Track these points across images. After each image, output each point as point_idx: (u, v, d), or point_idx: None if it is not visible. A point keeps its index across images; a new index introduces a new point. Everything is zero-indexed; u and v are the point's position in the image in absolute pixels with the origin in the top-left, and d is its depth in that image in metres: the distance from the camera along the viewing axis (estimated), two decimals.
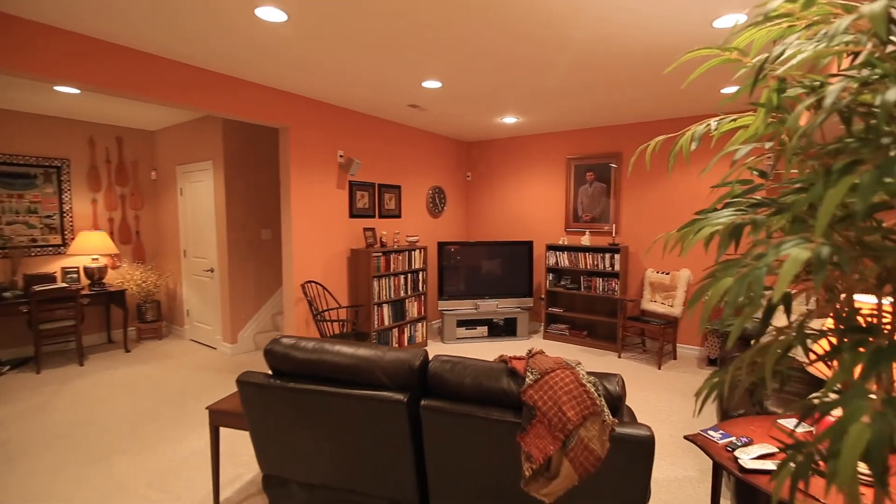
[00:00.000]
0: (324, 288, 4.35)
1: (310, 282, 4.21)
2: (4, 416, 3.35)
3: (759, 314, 0.74)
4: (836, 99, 0.62)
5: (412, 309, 5.07)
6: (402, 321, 4.92)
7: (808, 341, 0.78)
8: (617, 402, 1.41)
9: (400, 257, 4.85)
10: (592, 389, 1.38)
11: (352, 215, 4.67)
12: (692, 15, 2.42)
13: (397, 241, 5.04)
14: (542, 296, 5.56)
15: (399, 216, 5.31)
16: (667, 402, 3.61)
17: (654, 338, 5.11)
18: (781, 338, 0.78)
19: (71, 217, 4.95)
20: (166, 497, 2.38)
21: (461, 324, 5.30)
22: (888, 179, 0.57)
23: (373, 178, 4.93)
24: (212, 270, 4.92)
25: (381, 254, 4.59)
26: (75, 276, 4.91)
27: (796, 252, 0.62)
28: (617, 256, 4.91)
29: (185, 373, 4.26)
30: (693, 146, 0.94)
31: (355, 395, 1.60)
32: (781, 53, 0.83)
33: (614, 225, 5.24)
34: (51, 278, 4.68)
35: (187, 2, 2.29)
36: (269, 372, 1.78)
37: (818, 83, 0.74)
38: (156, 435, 3.05)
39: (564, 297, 5.57)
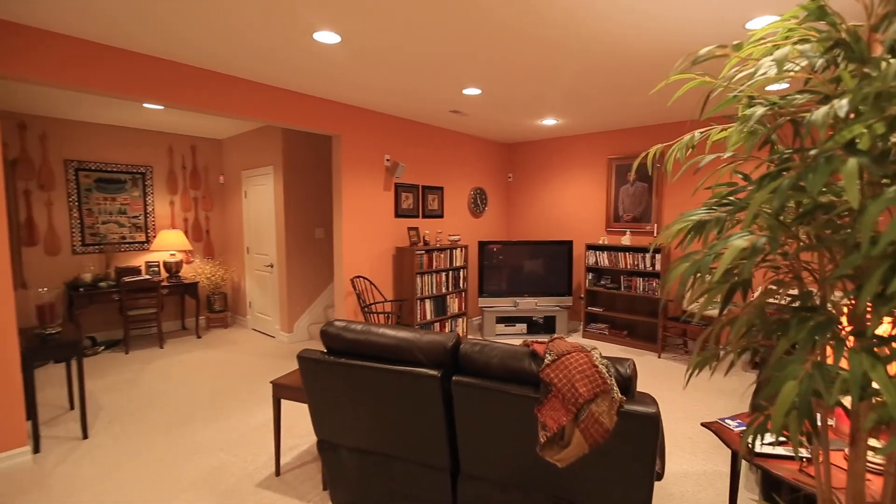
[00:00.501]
0: (371, 283, 4.68)
1: (358, 277, 4.55)
2: (102, 387, 3.91)
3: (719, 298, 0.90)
4: (759, 119, 0.77)
5: (453, 305, 5.30)
6: (444, 316, 5.17)
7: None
8: (627, 383, 1.56)
9: (442, 255, 5.10)
10: (604, 370, 1.54)
11: (397, 215, 4.97)
12: (728, 15, 2.48)
13: (439, 240, 5.29)
14: (582, 295, 5.61)
15: (441, 216, 5.57)
16: (706, 402, 3.62)
17: (696, 338, 5.04)
18: (745, 316, 0.93)
19: (153, 217, 5.60)
20: (236, 459, 2.75)
21: (500, 320, 5.47)
22: (803, 184, 0.72)
23: (417, 180, 5.21)
24: (271, 266, 5.40)
25: (424, 252, 4.86)
26: (156, 269, 5.55)
27: (737, 242, 0.79)
28: (658, 256, 4.90)
29: (249, 358, 4.72)
30: (680, 154, 1.10)
31: (396, 370, 1.85)
32: (753, 74, 0.98)
33: (656, 224, 5.22)
34: (137, 271, 5.32)
35: (257, 30, 2.64)
36: (324, 350, 2.06)
37: (773, 102, 0.89)
38: (226, 408, 3.47)
39: (604, 296, 5.60)
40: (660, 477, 1.74)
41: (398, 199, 4.97)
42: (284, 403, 3.52)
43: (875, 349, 0.73)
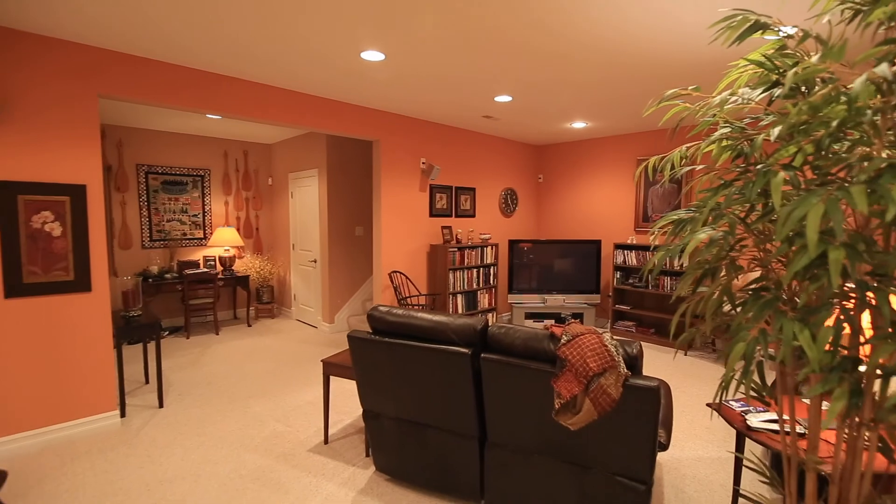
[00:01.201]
0: (406, 277, 5.01)
1: (395, 272, 4.88)
2: (170, 366, 4.41)
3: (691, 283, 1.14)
4: (718, 139, 1.01)
5: (483, 300, 5.56)
6: (474, 311, 5.44)
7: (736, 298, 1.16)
8: (634, 361, 1.79)
9: (473, 253, 5.37)
10: (612, 349, 1.77)
11: (431, 214, 5.28)
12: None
13: (471, 238, 5.57)
14: (610, 293, 5.75)
15: (473, 216, 5.84)
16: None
17: (721, 337, 5.09)
18: (714, 296, 1.16)
19: (210, 216, 6.15)
20: (289, 429, 3.12)
21: (529, 316, 5.68)
22: (745, 193, 0.95)
23: (450, 181, 5.51)
24: (315, 261, 5.83)
25: (456, 249, 5.15)
26: (212, 263, 6.09)
27: (699, 235, 1.02)
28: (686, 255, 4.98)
29: (295, 345, 5.15)
30: (676, 163, 1.33)
31: (433, 348, 2.14)
32: (726, 101, 1.20)
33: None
34: (196, 264, 5.87)
35: (313, 50, 3.00)
36: (370, 331, 2.37)
37: (737, 126, 1.11)
38: (278, 387, 3.87)
39: (632, 294, 5.71)
40: (664, 447, 1.96)
41: (433, 199, 5.28)
42: (331, 382, 3.88)
43: (802, 319, 0.96)
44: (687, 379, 4.16)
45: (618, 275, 5.62)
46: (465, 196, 5.71)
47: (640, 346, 1.84)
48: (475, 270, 5.43)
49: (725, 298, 1.16)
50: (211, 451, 2.83)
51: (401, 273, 4.95)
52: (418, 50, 2.97)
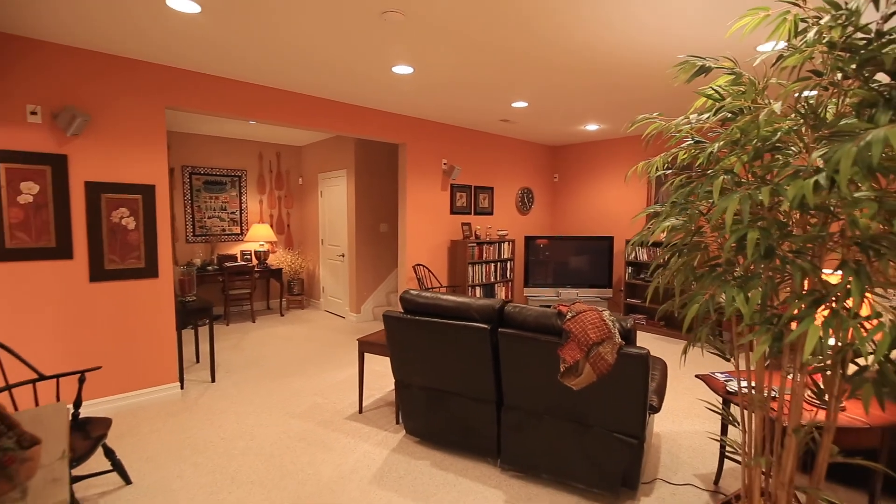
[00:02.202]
0: (429, 270, 5.39)
1: (419, 265, 5.26)
2: (215, 349, 4.88)
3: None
4: (684, 148, 1.34)
5: (500, 293, 5.90)
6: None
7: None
8: (628, 334, 2.12)
9: (491, 248, 5.71)
10: (610, 323, 2.10)
11: (452, 212, 5.64)
12: (740, 44, 2.93)
13: (489, 234, 5.91)
14: (622, 287, 6.03)
15: (491, 213, 6.18)
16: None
17: (728, 329, 5.33)
18: (682, 271, 1.49)
19: (246, 213, 6.63)
20: (327, 402, 3.52)
21: None
22: (699, 192, 1.28)
23: (470, 181, 5.86)
24: (343, 256, 6.25)
25: (475, 245, 5.50)
26: (248, 257, 6.57)
27: (664, 223, 1.36)
28: None
29: (325, 332, 5.58)
30: (660, 167, 1.66)
31: (457, 324, 2.50)
32: (680, 124, 1.53)
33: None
34: (234, 258, 6.36)
35: (348, 66, 3.39)
36: (402, 311, 2.75)
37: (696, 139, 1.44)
38: (314, 368, 4.29)
39: (643, 289, 5.98)
40: (655, 410, 2.27)
41: (453, 197, 5.64)
42: (365, 362, 4.28)
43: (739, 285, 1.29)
44: (692, 365, 4.43)
45: (630, 270, 5.89)
46: (483, 195, 6.05)
47: (634, 321, 2.16)
48: (493, 265, 5.77)
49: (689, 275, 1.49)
50: (261, 417, 3.25)
51: (424, 266, 5.33)
52: (443, 64, 3.33)
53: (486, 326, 2.41)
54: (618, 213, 6.37)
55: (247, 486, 2.41)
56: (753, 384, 1.63)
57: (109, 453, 2.34)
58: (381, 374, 4.11)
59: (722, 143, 1.23)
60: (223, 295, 5.94)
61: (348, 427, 3.10)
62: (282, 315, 6.47)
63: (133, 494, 2.34)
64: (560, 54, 3.11)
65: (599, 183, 6.57)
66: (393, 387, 3.81)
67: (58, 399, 2.12)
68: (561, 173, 7.10)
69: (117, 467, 2.37)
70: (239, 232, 6.58)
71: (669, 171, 1.56)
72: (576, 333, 2.11)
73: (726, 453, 2.47)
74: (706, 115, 1.37)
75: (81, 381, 2.24)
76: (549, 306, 5.95)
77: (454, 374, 2.60)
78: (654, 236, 1.34)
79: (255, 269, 6.24)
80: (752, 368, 1.61)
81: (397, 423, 3.16)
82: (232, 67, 3.45)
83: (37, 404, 2.10)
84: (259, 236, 6.39)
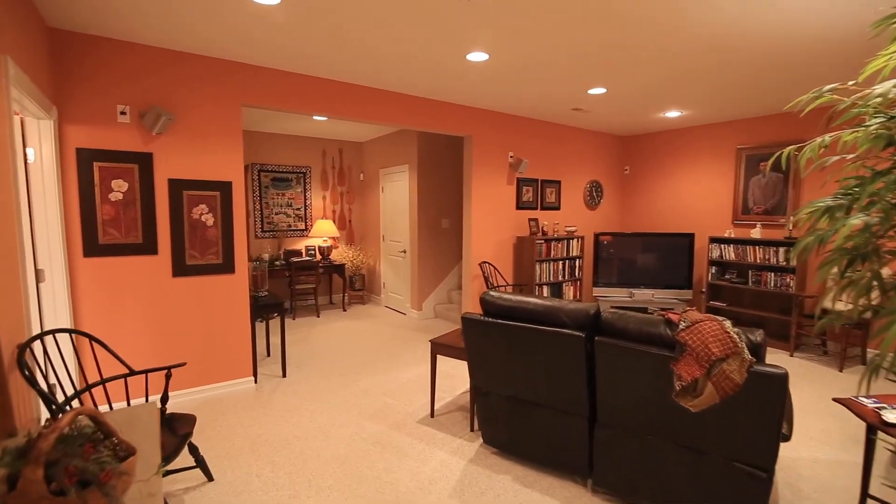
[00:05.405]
0: (494, 268, 5.19)
1: (484, 262, 5.08)
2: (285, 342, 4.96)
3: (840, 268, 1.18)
4: (879, 127, 1.04)
5: (568, 292, 5.59)
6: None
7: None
8: (757, 349, 1.81)
9: (559, 245, 5.42)
10: (735, 336, 1.81)
11: (518, 207, 5.40)
12: (865, 9, 2.48)
13: (556, 230, 5.61)
14: (703, 289, 5.52)
15: (558, 208, 5.87)
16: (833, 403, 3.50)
17: (836, 339, 4.71)
18: (863, 281, 1.19)
19: (310, 209, 6.73)
20: (397, 402, 3.43)
21: None
22: None
23: (536, 174, 5.58)
24: (404, 252, 6.19)
25: (543, 241, 5.23)
26: (313, 252, 6.67)
27: (853, 221, 1.07)
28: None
29: (387, 329, 5.54)
30: (812, 153, 1.36)
31: (546, 330, 2.28)
32: (888, 93, 1.22)
33: (791, 217, 4.95)
34: (299, 253, 6.48)
35: (421, 55, 3.23)
36: (481, 314, 2.57)
37: (891, 115, 1.13)
38: (380, 366, 4.23)
39: (729, 290, 5.44)
40: (786, 438, 1.95)
41: (519, 192, 5.39)
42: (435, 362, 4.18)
43: None
44: (794, 379, 3.93)
45: (713, 270, 5.37)
46: (550, 189, 5.75)
47: (764, 334, 1.85)
48: (560, 262, 5.47)
49: (875, 283, 1.19)
50: (333, 416, 3.20)
51: (489, 263, 5.13)
52: (522, 48, 3.09)
53: (580, 334, 2.18)
54: (698, 207, 5.84)
55: (325, 491, 2.34)
56: None
57: (194, 450, 2.34)
58: (449, 376, 3.97)
59: None
60: (289, 289, 6.06)
61: (421, 432, 2.98)
62: (344, 310, 6.52)
63: (216, 492, 2.34)
64: (655, 29, 2.78)
65: (676, 175, 6.06)
66: (464, 390, 3.66)
67: (146, 393, 2.14)
68: (632, 165, 6.63)
69: (201, 464, 2.38)
70: (304, 228, 6.70)
71: (831, 160, 1.26)
72: (693, 347, 1.83)
73: (870, 493, 2.09)
74: None
75: (168, 376, 2.25)
76: (621, 308, 5.58)
77: (540, 383, 2.39)
78: (842, 235, 1.06)
79: (319, 264, 6.32)
80: None
81: (472, 429, 3.00)
82: (305, 62, 3.41)
83: (127, 398, 2.12)
84: (322, 232, 6.47)
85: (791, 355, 4.59)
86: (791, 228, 4.92)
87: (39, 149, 2.72)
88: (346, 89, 3.95)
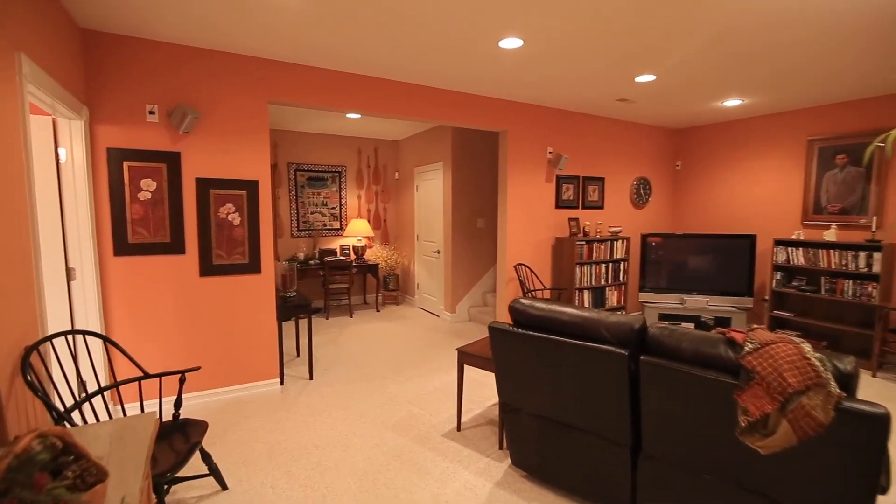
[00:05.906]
0: (531, 270, 4.90)
1: (520, 264, 4.80)
2: (314, 343, 4.90)
3: None
4: None
5: (612, 297, 5.21)
6: (602, 308, 5.12)
7: None
8: (847, 380, 1.47)
9: (602, 247, 5.05)
10: (818, 363, 1.47)
11: (557, 206, 5.08)
12: None
13: (599, 231, 5.24)
14: (766, 297, 4.98)
15: (602, 207, 5.49)
16: None
17: None
18: None
19: (346, 208, 6.70)
20: (423, 412, 3.24)
21: (663, 318, 5.18)
22: None
23: (577, 171, 5.23)
24: (438, 252, 6.01)
25: (584, 242, 4.88)
26: (347, 252, 6.63)
27: None
28: (877, 255, 4.08)
29: (420, 331, 5.38)
30: None
31: (584, 346, 2.01)
32: None
33: (875, 217, 4.34)
34: (334, 252, 6.45)
35: (451, 43, 3.03)
36: (511, 324, 2.33)
37: None
38: (409, 371, 4.07)
39: (797, 299, 4.87)
40: (884, 490, 1.59)
41: (559, 190, 5.07)
42: (464, 371, 3.96)
43: None
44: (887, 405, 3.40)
45: (778, 275, 4.83)
46: (592, 186, 5.39)
47: (856, 362, 1.51)
48: (603, 265, 5.10)
49: None
50: (356, 424, 3.06)
51: (525, 266, 4.85)
52: (560, 32, 2.82)
53: (622, 352, 1.90)
54: (760, 206, 5.28)
55: None
56: None
57: (206, 458, 2.26)
58: (479, 384, 3.74)
59: None
60: (323, 289, 6.03)
61: (446, 447, 2.77)
62: (377, 310, 6.43)
63: (228, 502, 2.24)
64: (711, 12, 2.43)
65: (735, 170, 5.51)
66: (495, 401, 3.42)
67: (160, 397, 2.06)
68: (684, 160, 6.12)
69: (214, 472, 2.29)
70: (339, 227, 6.67)
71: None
72: (763, 375, 1.52)
73: None
74: None
75: (182, 380, 2.17)
76: (671, 316, 5.13)
77: (576, 405, 2.12)
78: None
79: (353, 263, 6.26)
80: None
81: (500, 448, 2.76)
82: (329, 57, 3.28)
83: (141, 401, 2.06)
84: (357, 231, 6.40)
85: (874, 375, 4.02)
86: (875, 230, 4.32)
87: (71, 149, 2.74)
88: (374, 84, 3.80)
